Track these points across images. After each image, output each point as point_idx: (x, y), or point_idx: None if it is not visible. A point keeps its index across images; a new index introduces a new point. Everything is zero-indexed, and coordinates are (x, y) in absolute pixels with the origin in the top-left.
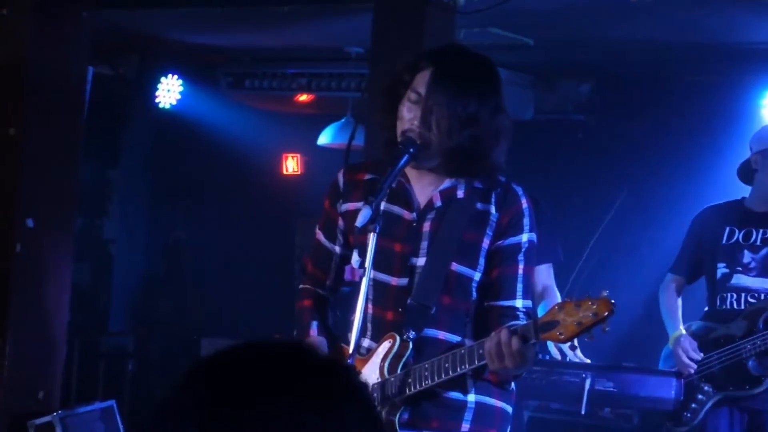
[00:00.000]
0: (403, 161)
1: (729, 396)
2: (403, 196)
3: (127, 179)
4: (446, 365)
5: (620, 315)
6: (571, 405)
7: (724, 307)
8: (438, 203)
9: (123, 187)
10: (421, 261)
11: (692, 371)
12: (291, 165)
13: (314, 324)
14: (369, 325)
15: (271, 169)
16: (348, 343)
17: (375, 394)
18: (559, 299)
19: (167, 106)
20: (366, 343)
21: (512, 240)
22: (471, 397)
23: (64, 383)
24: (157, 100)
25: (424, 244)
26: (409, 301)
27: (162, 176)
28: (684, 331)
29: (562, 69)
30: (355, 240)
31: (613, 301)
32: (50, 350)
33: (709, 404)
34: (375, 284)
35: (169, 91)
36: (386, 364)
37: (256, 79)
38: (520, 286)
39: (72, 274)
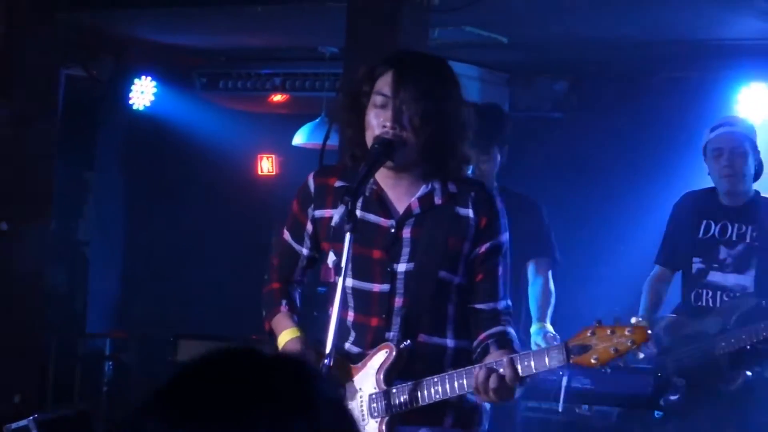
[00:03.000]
0: (377, 160)
1: (702, 391)
2: (379, 204)
3: (103, 181)
4: (460, 381)
5: (600, 310)
6: (549, 402)
7: (699, 303)
8: (417, 210)
9: (98, 188)
10: (402, 267)
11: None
12: (266, 165)
13: (283, 302)
14: (352, 331)
15: (246, 169)
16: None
17: (374, 405)
18: (552, 293)
19: (141, 108)
20: (354, 350)
21: (492, 243)
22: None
23: (40, 386)
24: (131, 102)
25: (406, 251)
26: (400, 309)
27: (137, 177)
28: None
29: (537, 66)
30: (330, 242)
31: (649, 331)
32: (26, 353)
33: (684, 396)
34: (355, 292)
35: (142, 92)
36: (382, 376)
37: (230, 80)
38: (501, 288)
39: (48, 276)
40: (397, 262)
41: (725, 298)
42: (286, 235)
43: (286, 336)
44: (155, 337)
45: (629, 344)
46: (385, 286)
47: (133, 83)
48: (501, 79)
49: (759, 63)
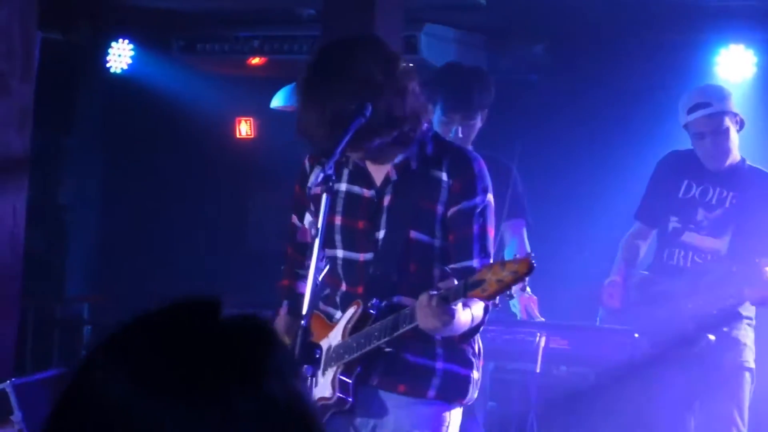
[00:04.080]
0: (353, 126)
1: (667, 351)
2: (361, 175)
3: (80, 145)
4: (390, 325)
5: (575, 273)
6: (526, 364)
7: (671, 262)
8: (394, 177)
9: (76, 153)
10: (381, 234)
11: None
12: (244, 128)
13: (285, 303)
14: (340, 302)
15: (224, 132)
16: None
17: (333, 355)
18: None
19: (119, 71)
20: (338, 315)
21: (466, 204)
22: (439, 364)
23: (19, 351)
24: (108, 65)
25: (383, 217)
26: (370, 271)
27: (115, 141)
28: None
29: (515, 29)
30: (309, 201)
31: (533, 262)
32: (4, 318)
33: (649, 355)
34: (344, 263)
35: (120, 56)
36: (349, 327)
37: (208, 43)
38: (475, 246)
39: (25, 240)
40: (379, 230)
41: (697, 260)
42: (293, 219)
43: None
44: (133, 302)
45: (512, 276)
46: (369, 255)
47: (110, 47)
48: (478, 42)
49: (738, 24)
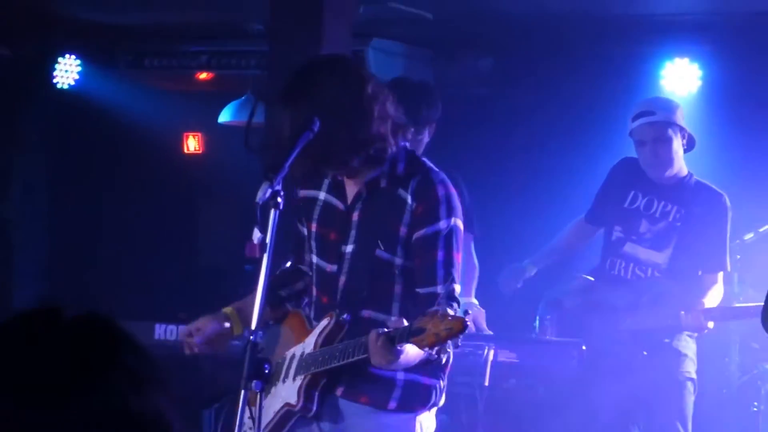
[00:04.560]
0: (301, 141)
1: (603, 365)
2: (337, 188)
3: (26, 160)
4: (349, 350)
5: (524, 285)
6: (475, 377)
7: (612, 272)
8: (364, 194)
9: (23, 168)
10: (349, 248)
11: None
12: (192, 144)
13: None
14: (314, 305)
15: (172, 148)
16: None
17: (304, 363)
18: (476, 267)
19: (65, 87)
20: (315, 323)
21: (429, 229)
22: (400, 375)
23: None
24: (55, 81)
25: (353, 233)
26: (342, 285)
27: (62, 157)
28: (529, 270)
29: (462, 43)
30: (308, 220)
31: (467, 323)
32: None
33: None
34: (317, 269)
35: (67, 71)
36: (321, 339)
37: (155, 58)
38: (440, 272)
39: None
40: (346, 244)
41: (638, 272)
42: (296, 222)
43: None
44: None
45: (447, 332)
46: (334, 267)
47: (57, 62)
48: (425, 56)
49: (682, 38)
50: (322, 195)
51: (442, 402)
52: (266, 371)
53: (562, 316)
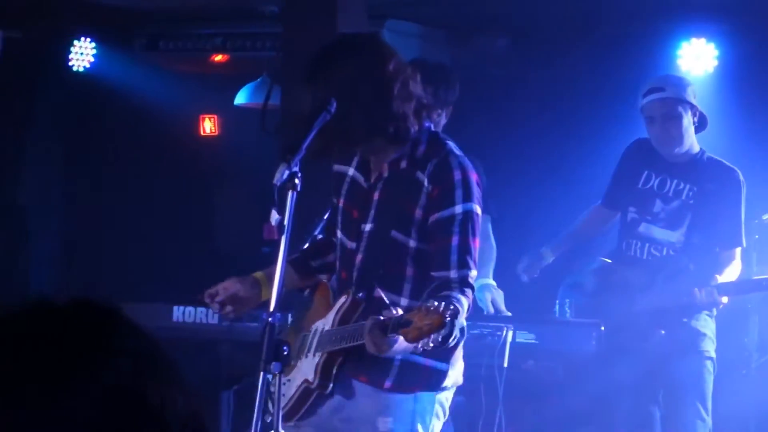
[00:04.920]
0: (318, 122)
1: (619, 343)
2: (365, 166)
3: (42, 144)
4: (357, 334)
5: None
6: (494, 358)
7: (629, 253)
8: (385, 174)
9: (38, 152)
10: (368, 227)
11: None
12: (208, 126)
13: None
14: (336, 283)
15: (188, 130)
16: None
17: (323, 340)
18: (493, 247)
19: (81, 69)
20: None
21: (444, 213)
22: (398, 355)
23: None
24: (70, 64)
25: (372, 212)
26: (358, 262)
27: (78, 141)
28: (546, 257)
29: (477, 23)
30: (334, 196)
31: (446, 319)
32: None
33: (603, 347)
34: (341, 246)
35: (82, 54)
36: (338, 317)
37: (170, 40)
38: (454, 257)
39: None
40: (366, 222)
41: (654, 252)
42: (332, 196)
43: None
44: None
45: (428, 327)
46: (353, 244)
47: (72, 45)
48: (440, 37)
49: (699, 18)
50: (351, 171)
51: (450, 384)
52: (285, 352)
53: (581, 299)
